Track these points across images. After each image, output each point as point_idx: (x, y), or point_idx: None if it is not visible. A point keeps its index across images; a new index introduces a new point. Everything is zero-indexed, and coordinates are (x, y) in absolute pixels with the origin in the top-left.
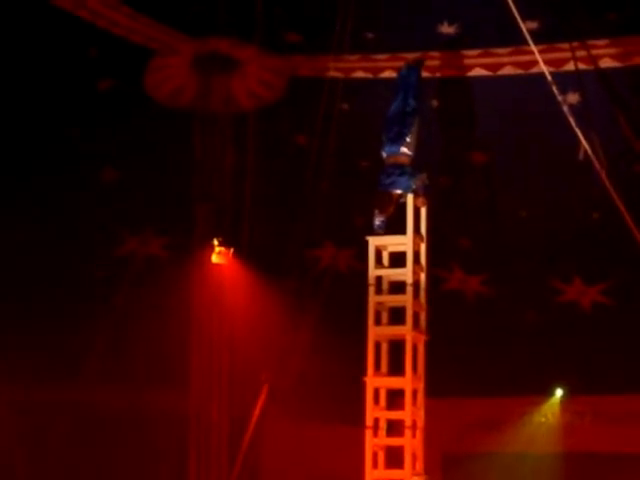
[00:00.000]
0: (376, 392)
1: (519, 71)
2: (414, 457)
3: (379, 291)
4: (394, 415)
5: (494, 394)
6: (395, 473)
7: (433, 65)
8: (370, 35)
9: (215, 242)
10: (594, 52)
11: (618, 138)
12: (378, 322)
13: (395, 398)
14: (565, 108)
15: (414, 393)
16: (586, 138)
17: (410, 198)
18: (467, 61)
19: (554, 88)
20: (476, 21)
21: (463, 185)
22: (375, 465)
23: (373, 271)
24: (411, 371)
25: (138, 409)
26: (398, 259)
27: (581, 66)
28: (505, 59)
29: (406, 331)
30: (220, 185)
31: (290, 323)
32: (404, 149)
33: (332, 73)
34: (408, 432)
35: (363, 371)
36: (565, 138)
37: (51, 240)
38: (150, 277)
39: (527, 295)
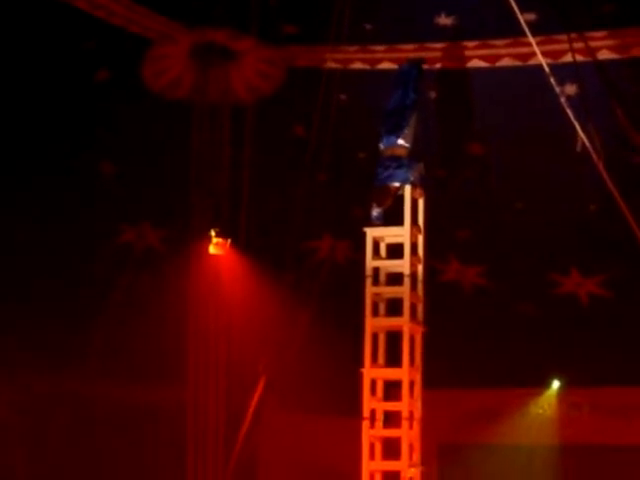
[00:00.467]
0: (373, 383)
1: (517, 63)
2: (411, 448)
3: (376, 282)
4: (391, 406)
5: (491, 385)
6: (392, 464)
7: (431, 56)
8: (368, 26)
9: (212, 233)
10: (592, 44)
11: (616, 130)
12: (375, 313)
13: (392, 389)
14: (563, 100)
15: (411, 384)
16: (584, 130)
17: (408, 190)
18: (465, 52)
19: (552, 80)
20: (474, 12)
21: (461, 177)
22: (372, 456)
23: (370, 262)
24: (408, 362)
25: (136, 402)
26: (395, 250)
27: (579, 58)
28: (503, 51)
29: (403, 322)
30: (218, 176)
31: (287, 315)
32: (401, 141)
33: (330, 64)
34: (405, 423)
35: (360, 362)
36: (563, 130)
37: (49, 234)
38: (148, 269)
39: (524, 287)
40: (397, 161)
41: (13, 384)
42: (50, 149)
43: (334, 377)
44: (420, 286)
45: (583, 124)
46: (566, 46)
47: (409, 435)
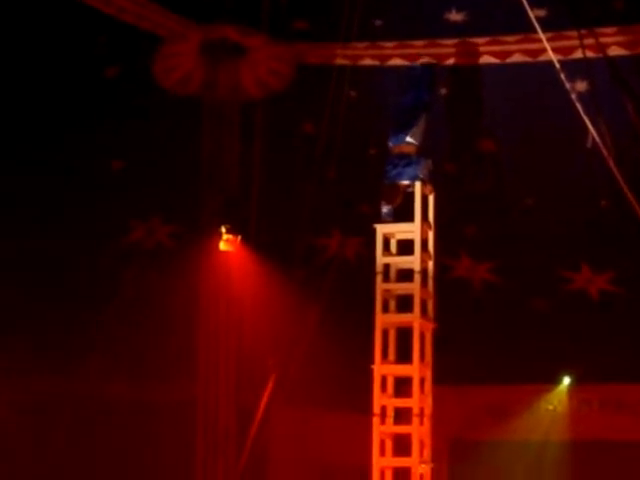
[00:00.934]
0: (383, 380)
1: (527, 59)
2: (422, 445)
3: (387, 279)
4: (402, 403)
5: (501, 382)
6: (402, 460)
7: (441, 53)
8: (378, 22)
9: (223, 230)
10: (602, 40)
11: (626, 126)
12: (386, 310)
13: (402, 386)
14: (573, 96)
15: (422, 381)
16: (594, 126)
17: (418, 186)
18: (475, 49)
19: (562, 76)
20: (484, 8)
21: (471, 173)
22: (382, 453)
23: (381, 259)
24: (419, 359)
25: (145, 398)
26: (406, 247)
27: (589, 54)
28: (513, 47)
29: (413, 319)
30: (228, 173)
31: (297, 311)
32: (409, 138)
33: (340, 61)
34: (416, 420)
35: (370, 359)
36: (573, 126)
37: (57, 230)
38: (157, 265)
39: (535, 283)
40: (406, 159)
41: (18, 383)
42: (60, 145)
43: (344, 373)
44: (430, 282)
45: (593, 120)
46: (576, 42)
47: (420, 431)
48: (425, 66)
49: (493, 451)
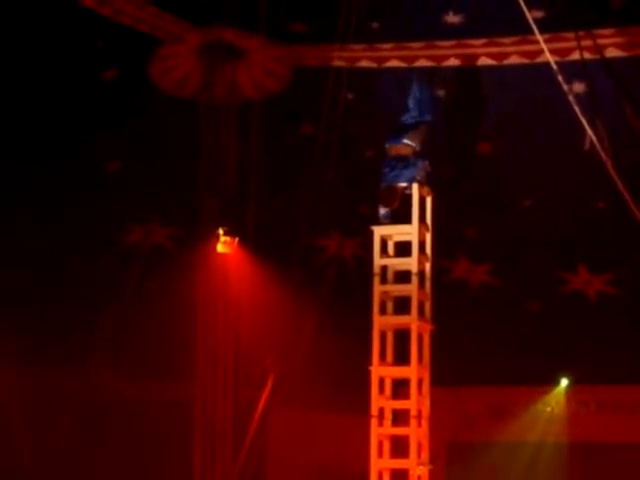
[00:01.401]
0: (381, 381)
1: (525, 60)
2: (419, 446)
3: (384, 280)
4: (399, 404)
5: (499, 383)
6: (400, 462)
7: (439, 54)
8: (375, 24)
9: (220, 231)
10: (600, 41)
11: (624, 127)
12: (383, 311)
13: (400, 387)
14: (571, 97)
15: (419, 382)
16: (592, 127)
17: (415, 188)
18: (473, 50)
19: (560, 77)
20: (482, 10)
21: (468, 175)
22: (380, 454)
23: (378, 260)
24: (416, 360)
25: (144, 398)
26: (403, 248)
27: (587, 55)
28: (511, 48)
29: (411, 320)
30: (225, 175)
31: (295, 312)
32: (406, 140)
33: (337, 62)
34: (414, 421)
35: (368, 360)
36: (571, 128)
37: (57, 230)
38: (156, 267)
39: (532, 285)
40: (403, 161)
41: (21, 380)
42: (56, 148)
43: (342, 375)
44: (428, 284)
45: (591, 122)
46: (574, 44)
47: (417, 433)
48: (422, 85)
49: (491, 453)
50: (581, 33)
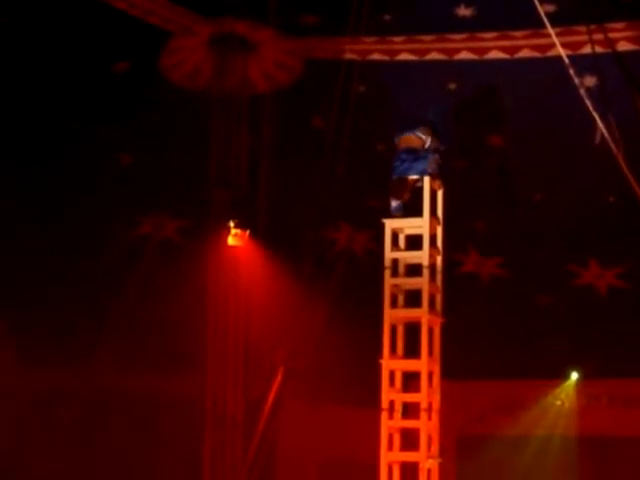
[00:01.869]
0: (392, 374)
1: (536, 54)
2: (429, 439)
3: (395, 273)
4: (410, 397)
5: (509, 377)
6: (410, 455)
7: (450, 47)
8: (387, 17)
9: (231, 224)
10: (611, 35)
11: (635, 121)
12: (394, 304)
13: (410, 380)
14: (582, 91)
15: (430, 375)
16: (603, 121)
17: (427, 181)
18: (484, 44)
19: (571, 71)
20: (493, 3)
21: (480, 168)
22: (390, 447)
23: (389, 254)
24: (427, 353)
25: (154, 392)
26: (414, 242)
27: (598, 49)
28: (522, 42)
29: (422, 313)
30: (236, 167)
31: (306, 306)
32: (417, 133)
33: (348, 55)
34: (424, 414)
35: (379, 353)
36: (582, 121)
37: (67, 223)
38: (166, 260)
39: (543, 278)
40: (413, 153)
41: (29, 376)
42: (69, 140)
43: (353, 368)
44: (439, 277)
45: (602, 115)
46: (585, 37)
47: (427, 426)
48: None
49: (501, 446)
50: (592, 27)
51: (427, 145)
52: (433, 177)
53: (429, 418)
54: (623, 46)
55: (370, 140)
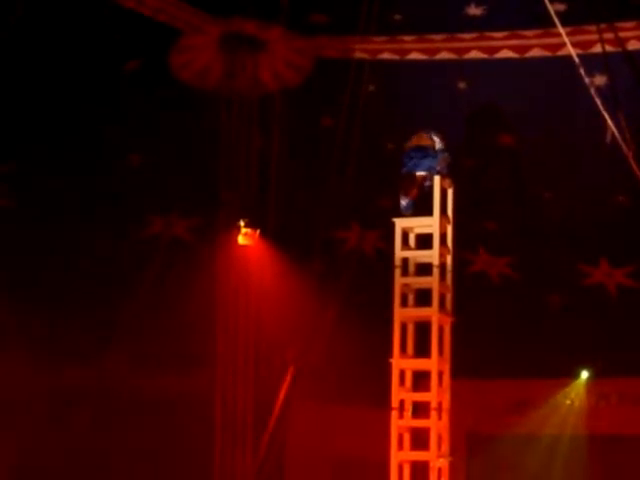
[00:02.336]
0: (402, 374)
1: (546, 53)
2: (440, 439)
3: (405, 273)
4: (420, 397)
5: (519, 376)
6: (420, 454)
7: (460, 47)
8: (397, 16)
9: (241, 224)
10: (621, 34)
11: None
12: (404, 304)
13: (420, 380)
14: (592, 90)
15: (440, 375)
16: (613, 121)
17: (437, 180)
18: (494, 43)
19: (581, 70)
20: (504, 3)
21: (490, 167)
22: (400, 446)
23: (399, 253)
24: (437, 353)
25: (164, 391)
26: (424, 241)
27: (608, 48)
28: (532, 41)
29: (432, 313)
30: (246, 166)
31: (316, 305)
32: (431, 133)
33: (359, 54)
34: (434, 414)
35: (389, 353)
36: (592, 121)
37: (77, 223)
38: (176, 259)
39: (553, 277)
40: (422, 151)
41: (42, 376)
42: (79, 139)
43: (363, 367)
44: (449, 276)
45: (613, 115)
46: (596, 36)
47: (438, 425)
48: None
49: (511, 445)
50: (603, 26)
51: (437, 147)
52: (443, 176)
53: (439, 417)
54: (633, 45)
55: (380, 139)
